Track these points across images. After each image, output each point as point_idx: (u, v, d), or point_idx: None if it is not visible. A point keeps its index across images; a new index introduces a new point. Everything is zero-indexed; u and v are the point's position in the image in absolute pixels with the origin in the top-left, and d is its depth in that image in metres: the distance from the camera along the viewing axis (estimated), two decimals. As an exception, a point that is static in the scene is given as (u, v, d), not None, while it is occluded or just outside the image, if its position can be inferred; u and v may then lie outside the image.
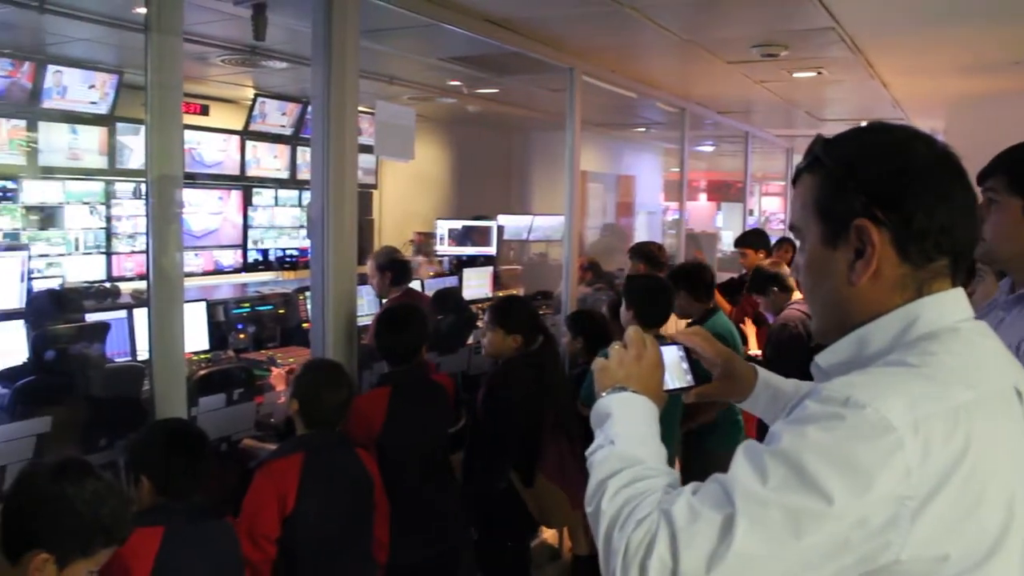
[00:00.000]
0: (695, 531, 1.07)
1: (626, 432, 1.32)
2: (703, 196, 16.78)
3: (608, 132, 10.55)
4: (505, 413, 3.61)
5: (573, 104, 5.34)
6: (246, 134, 7.45)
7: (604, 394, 1.41)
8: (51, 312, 4.01)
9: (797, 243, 1.32)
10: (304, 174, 7.91)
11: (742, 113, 8.86)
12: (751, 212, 12.35)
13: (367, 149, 4.07)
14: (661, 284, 4.15)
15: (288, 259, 7.95)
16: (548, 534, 4.96)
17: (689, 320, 4.43)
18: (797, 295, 4.55)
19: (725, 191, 16.29)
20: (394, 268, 5.00)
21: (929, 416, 1.06)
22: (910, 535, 1.04)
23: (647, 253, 5.51)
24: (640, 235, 11.70)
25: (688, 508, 1.10)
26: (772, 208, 15.92)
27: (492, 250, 8.55)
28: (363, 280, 4.77)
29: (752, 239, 6.56)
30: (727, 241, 14.10)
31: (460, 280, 7.02)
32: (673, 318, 4.29)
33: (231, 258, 7.45)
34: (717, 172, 15.86)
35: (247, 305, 5.63)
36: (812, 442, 1.06)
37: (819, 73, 6.05)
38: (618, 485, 1.22)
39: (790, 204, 1.37)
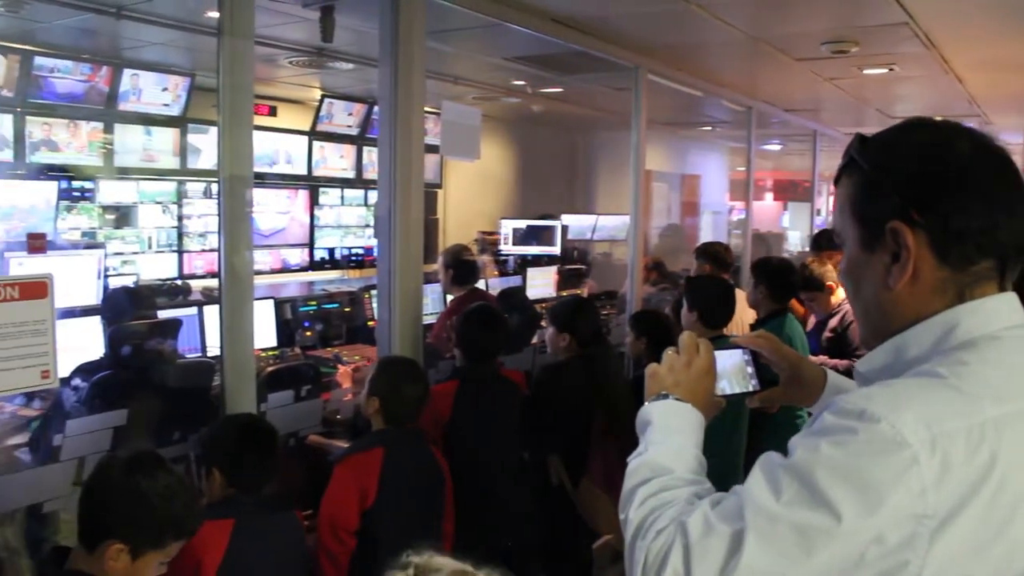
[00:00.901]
0: (707, 545, 1.06)
1: (661, 441, 1.30)
2: (769, 196, 16.54)
3: (673, 131, 10.46)
4: (548, 412, 3.61)
5: (638, 103, 5.31)
6: (313, 134, 7.55)
7: (648, 401, 1.39)
8: (126, 309, 4.11)
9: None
10: (369, 174, 7.99)
11: (810, 111, 8.72)
12: (819, 212, 12.14)
13: (433, 149, 4.10)
14: (724, 285, 4.11)
15: (354, 258, 8.03)
16: (611, 536, 4.93)
17: (757, 317, 4.38)
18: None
19: (792, 190, 16.03)
20: (456, 267, 5.05)
21: (950, 432, 1.01)
22: (930, 555, 0.99)
23: (713, 254, 5.45)
24: (705, 235, 11.58)
25: (703, 521, 1.08)
26: (841, 208, 15.59)
27: (556, 250, 8.53)
28: (428, 279, 4.81)
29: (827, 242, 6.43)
30: (793, 241, 13.89)
31: (524, 280, 7.02)
32: (738, 316, 4.25)
33: (298, 257, 7.55)
34: (784, 171, 15.61)
35: (314, 303, 5.71)
36: (824, 457, 1.03)
37: (891, 69, 5.92)
38: (646, 494, 1.21)
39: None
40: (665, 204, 11.54)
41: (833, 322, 4.69)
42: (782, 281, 4.36)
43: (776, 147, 12.43)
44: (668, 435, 1.31)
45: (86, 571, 1.87)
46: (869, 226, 1.18)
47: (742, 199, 8.58)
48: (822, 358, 4.71)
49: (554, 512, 3.73)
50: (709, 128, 10.70)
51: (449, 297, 5.28)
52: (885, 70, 5.95)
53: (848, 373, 1.66)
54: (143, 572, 1.87)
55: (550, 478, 3.70)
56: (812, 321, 5.10)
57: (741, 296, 4.90)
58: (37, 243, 4.37)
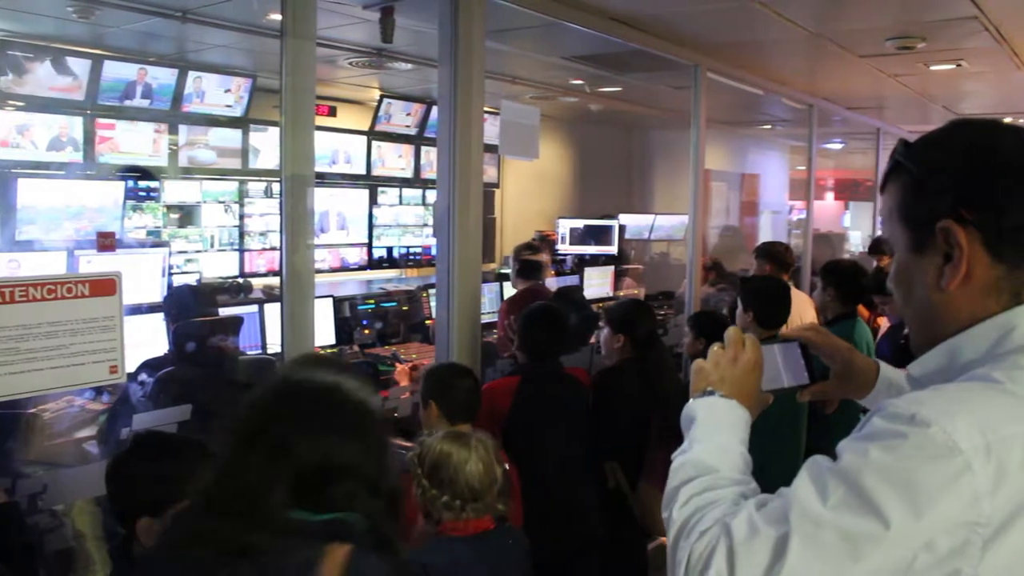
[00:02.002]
0: (751, 547, 1.04)
1: (706, 439, 1.29)
2: (830, 195, 16.28)
3: (732, 130, 10.36)
4: (604, 417, 3.59)
5: (698, 102, 5.27)
6: (372, 134, 7.62)
7: (693, 397, 1.38)
8: (190, 306, 4.18)
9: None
10: (427, 173, 8.04)
11: (873, 109, 8.57)
12: (881, 211, 11.89)
13: (491, 148, 4.11)
14: (780, 285, 4.06)
15: (412, 257, 8.09)
16: (666, 538, 4.89)
17: (823, 320, 4.32)
18: None
19: (853, 190, 15.76)
20: (518, 264, 5.16)
21: (1005, 439, 0.98)
22: (983, 563, 0.97)
23: (773, 254, 5.37)
24: (764, 235, 11.43)
25: (748, 523, 1.07)
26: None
27: (613, 249, 8.50)
28: (485, 278, 4.86)
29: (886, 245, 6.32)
30: (855, 241, 13.65)
31: (581, 279, 7.01)
32: (796, 317, 4.19)
33: (356, 255, 7.63)
34: (845, 170, 15.35)
35: (372, 302, 5.77)
36: (873, 461, 1.01)
37: (959, 65, 5.78)
38: (689, 493, 1.20)
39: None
40: (724, 204, 11.40)
41: (906, 327, 4.60)
42: (852, 284, 4.29)
43: (838, 146, 12.23)
44: (713, 433, 1.30)
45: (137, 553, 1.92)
46: (919, 228, 1.16)
47: (802, 199, 8.46)
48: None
49: (611, 513, 3.71)
50: (769, 127, 10.57)
51: (506, 295, 5.35)
52: (952, 66, 5.81)
53: None
54: None
55: (607, 481, 3.69)
56: (884, 326, 5.02)
57: (800, 297, 4.84)
58: (106, 241, 4.47)
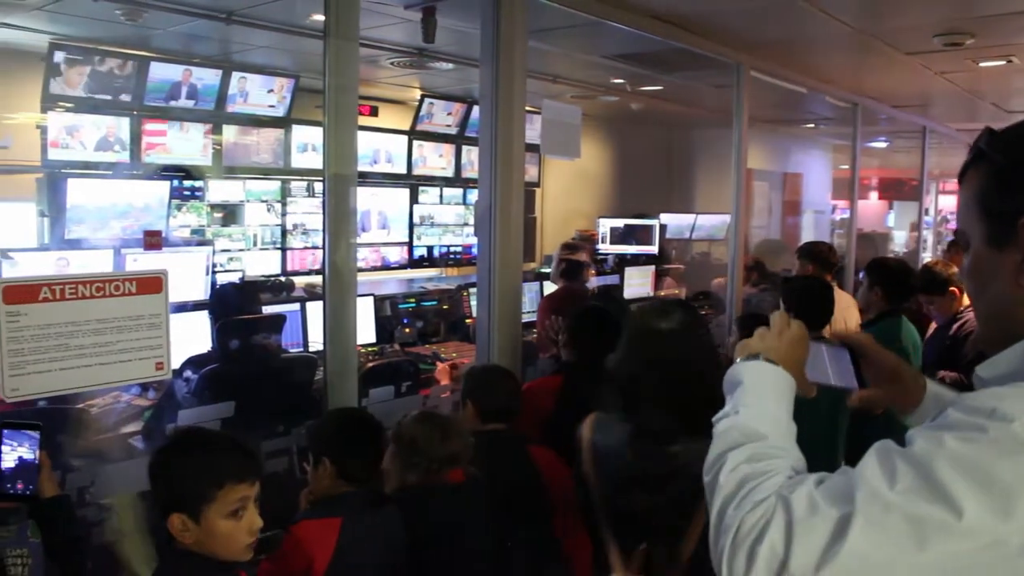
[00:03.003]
0: (812, 525, 1.01)
1: (754, 404, 1.26)
2: (874, 194, 16.07)
3: (774, 128, 10.26)
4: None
5: (740, 100, 5.23)
6: (413, 134, 7.66)
7: (738, 360, 1.35)
8: (233, 304, 4.23)
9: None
10: (468, 172, 8.07)
11: (919, 106, 8.44)
12: (926, 211, 11.73)
13: (532, 147, 4.11)
14: (822, 285, 4.00)
15: (452, 256, 8.12)
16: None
17: (866, 318, 4.26)
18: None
19: (898, 189, 15.54)
20: (561, 260, 5.19)
21: None
22: None
23: (817, 254, 5.30)
24: (806, 235, 11.32)
25: (808, 499, 1.04)
26: (949, 206, 15.05)
27: (654, 249, 8.46)
28: (525, 277, 4.86)
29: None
30: (899, 241, 13.46)
31: (621, 279, 6.99)
32: (840, 318, 4.13)
33: (397, 254, 7.67)
34: (890, 169, 15.14)
35: (412, 300, 5.80)
36: (948, 451, 0.98)
37: (1009, 61, 5.68)
38: (738, 460, 1.16)
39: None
40: (766, 203, 11.31)
41: (952, 329, 4.51)
42: (900, 283, 4.22)
43: (882, 144, 12.07)
44: (760, 398, 1.27)
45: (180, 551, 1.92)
46: (1000, 222, 1.12)
47: (846, 198, 8.36)
48: (943, 374, 4.55)
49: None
50: (812, 125, 10.46)
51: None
52: (1002, 62, 5.71)
53: (956, 385, 1.59)
54: (214, 530, 1.89)
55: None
56: (932, 327, 4.94)
57: (843, 297, 4.77)
58: (153, 240, 4.53)
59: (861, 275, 4.81)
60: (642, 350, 2.13)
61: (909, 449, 1.03)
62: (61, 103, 5.35)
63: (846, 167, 8.64)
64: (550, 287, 5.62)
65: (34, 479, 2.01)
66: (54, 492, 2.04)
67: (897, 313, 4.21)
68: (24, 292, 2.23)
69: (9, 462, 2.01)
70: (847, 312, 4.61)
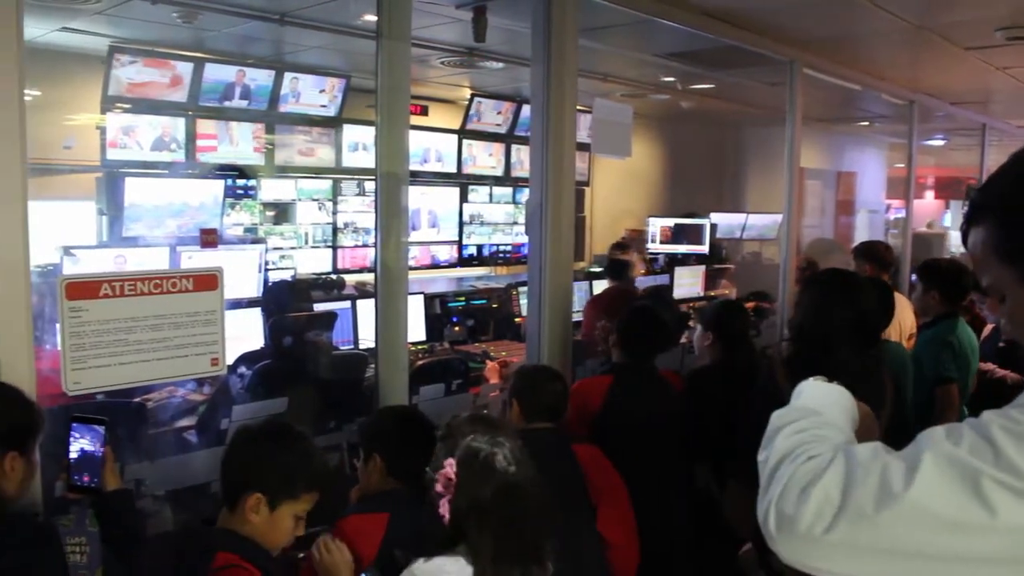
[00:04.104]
0: (872, 469, 1.02)
1: (811, 400, 1.30)
2: (930, 193, 15.76)
3: (828, 127, 10.12)
4: (695, 414, 3.54)
5: (793, 98, 5.17)
6: (463, 133, 7.69)
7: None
8: (286, 301, 4.29)
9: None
10: (518, 171, 8.07)
11: (979, 103, 8.27)
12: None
13: (581, 146, 4.10)
14: (880, 286, 3.94)
15: (501, 254, 8.13)
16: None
17: (926, 320, 4.18)
18: None
19: (955, 188, 15.23)
20: (608, 261, 5.19)
21: None
22: None
23: (874, 253, 5.18)
24: (860, 235, 11.14)
25: (872, 449, 1.06)
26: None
27: (705, 248, 8.39)
28: (576, 276, 4.86)
29: None
30: (956, 241, 13.18)
31: (671, 278, 6.95)
32: (897, 321, 4.07)
33: (447, 253, 7.70)
34: (947, 168, 14.84)
35: (462, 299, 5.82)
36: (1012, 418, 1.00)
37: (1074, 56, 5.53)
38: (794, 429, 1.19)
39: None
40: (819, 202, 11.14)
41: None
42: (954, 283, 4.14)
43: (939, 142, 11.84)
44: (818, 400, 1.30)
45: (228, 527, 2.00)
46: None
47: (901, 197, 8.22)
48: (990, 366, 4.46)
49: (700, 515, 3.66)
50: (866, 123, 10.29)
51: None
52: (1067, 56, 5.57)
53: (1018, 387, 1.56)
54: (279, 523, 2.00)
55: (696, 482, 3.64)
56: (988, 328, 4.84)
57: (899, 300, 4.68)
58: (209, 238, 4.61)
59: (914, 277, 4.71)
60: None
61: (975, 419, 1.05)
62: (119, 104, 5.46)
63: (901, 165, 8.48)
64: (599, 286, 5.62)
65: (99, 472, 2.06)
66: (117, 485, 2.09)
67: (954, 315, 4.12)
68: (86, 288, 2.28)
69: (76, 454, 2.07)
70: (902, 315, 4.52)
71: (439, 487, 2.08)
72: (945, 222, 15.37)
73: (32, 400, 1.98)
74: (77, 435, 2.08)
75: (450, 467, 2.04)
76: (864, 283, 3.04)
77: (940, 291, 4.10)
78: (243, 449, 2.08)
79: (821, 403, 1.29)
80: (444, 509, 2.06)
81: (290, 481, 2.00)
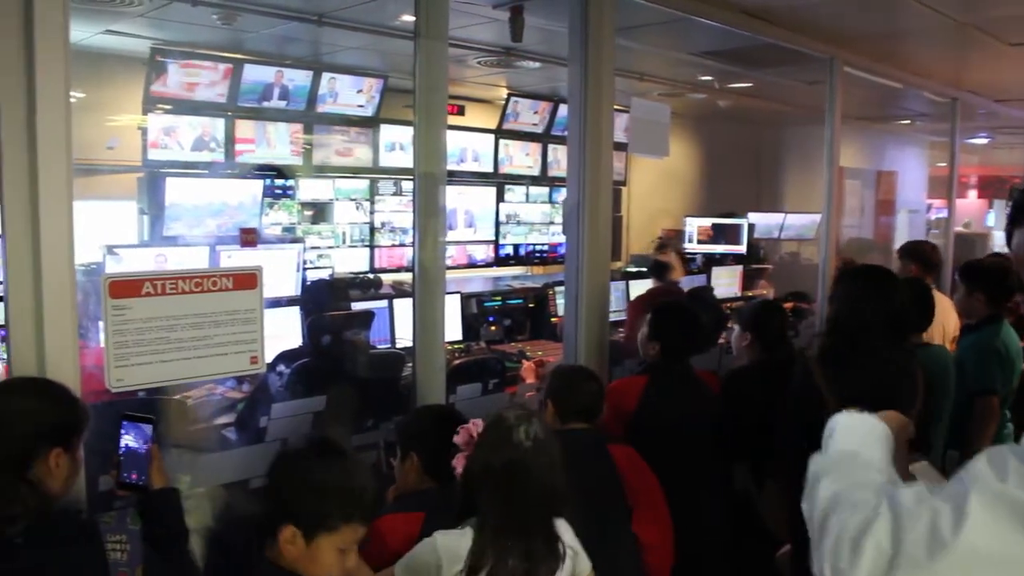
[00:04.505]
0: (920, 515, 1.00)
1: (845, 440, 1.28)
2: (972, 193, 15.51)
3: (867, 125, 10.00)
4: (733, 414, 3.51)
5: (833, 97, 5.12)
6: (499, 132, 7.70)
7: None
8: (324, 300, 4.32)
9: None
10: (554, 171, 8.07)
11: (1024, 100, 8.13)
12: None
13: (618, 146, 4.09)
14: (921, 287, 3.89)
15: (537, 254, 8.12)
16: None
17: (969, 322, 4.11)
18: None
19: (999, 187, 14.98)
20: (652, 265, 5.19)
21: None
22: None
23: (920, 253, 5.07)
24: (901, 235, 10.99)
25: (915, 494, 1.04)
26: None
27: (742, 248, 8.32)
28: (612, 276, 4.84)
29: None
30: (1000, 241, 12.96)
31: (708, 278, 6.91)
32: (939, 322, 4.01)
33: (483, 252, 7.71)
34: (991, 166, 14.59)
35: (498, 298, 5.83)
36: None
37: (1123, 51, 5.42)
38: (835, 478, 1.17)
39: None
40: (858, 202, 11.01)
41: None
42: (999, 284, 4.06)
43: (982, 140, 11.67)
44: (853, 436, 1.29)
45: (268, 557, 1.91)
46: None
47: (942, 197, 8.10)
48: None
49: (737, 517, 3.63)
50: (907, 121, 10.16)
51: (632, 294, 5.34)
52: (1116, 52, 5.45)
53: None
54: (319, 557, 1.88)
55: (734, 483, 3.61)
56: None
57: (942, 301, 4.61)
58: (249, 237, 4.65)
59: (957, 278, 4.63)
60: None
61: (1019, 448, 1.02)
62: (160, 105, 5.53)
63: (943, 164, 8.36)
64: (635, 286, 5.60)
65: (146, 470, 2.09)
66: (163, 484, 2.11)
67: (999, 317, 4.05)
68: (128, 287, 2.31)
69: (125, 452, 2.10)
70: (946, 317, 4.45)
71: (461, 441, 2.15)
72: (988, 222, 15.12)
73: (77, 397, 2.00)
74: (126, 433, 2.11)
75: (475, 426, 2.11)
76: (899, 279, 3.03)
77: (985, 293, 4.02)
78: (277, 474, 1.97)
79: (855, 441, 1.27)
80: (459, 464, 2.15)
81: (324, 512, 1.88)
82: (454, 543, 2.03)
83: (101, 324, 2.31)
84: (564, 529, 2.18)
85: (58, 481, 1.88)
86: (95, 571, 1.80)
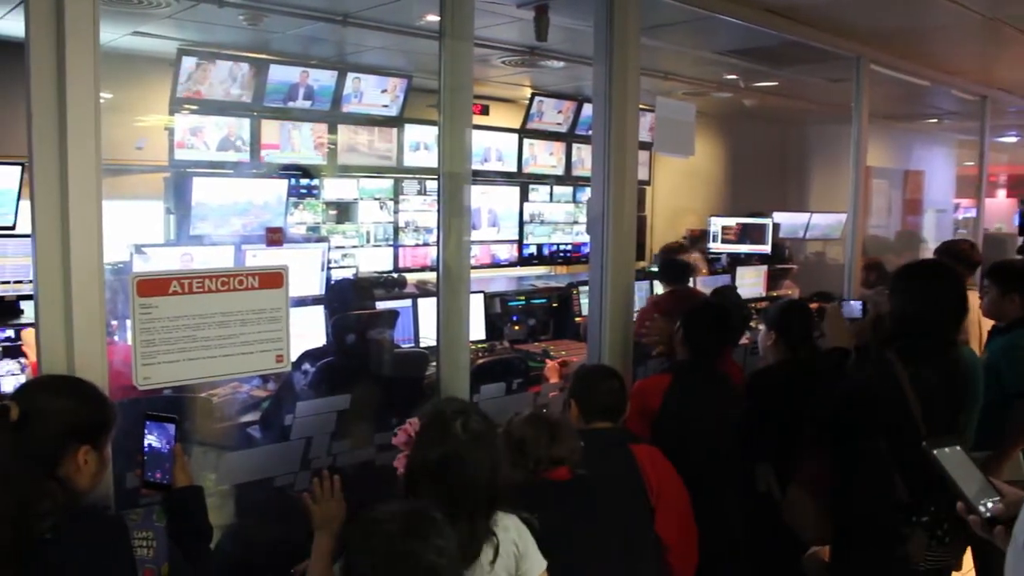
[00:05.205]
0: None
1: None
2: (1002, 192, 15.32)
3: (894, 124, 9.91)
4: (757, 414, 3.49)
5: (860, 95, 5.08)
6: (523, 132, 7.69)
7: None
8: (349, 299, 4.32)
9: None
10: (579, 170, 8.05)
11: (1057, 97, 8.02)
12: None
13: (642, 145, 4.08)
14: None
15: (561, 254, 8.11)
16: (819, 548, 4.71)
17: (999, 324, 4.06)
18: None
19: (1029, 186, 14.79)
20: (663, 265, 5.12)
21: None
22: None
23: (957, 252, 4.98)
24: (928, 235, 10.90)
25: None
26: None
27: (767, 248, 8.26)
28: (636, 276, 4.82)
29: None
30: (1030, 241, 12.79)
31: (733, 278, 6.87)
32: (980, 321, 3.96)
33: (507, 252, 7.71)
34: (1020, 165, 14.41)
35: (522, 298, 5.83)
36: None
37: None
38: None
39: None
40: (885, 202, 10.93)
41: None
42: None
43: (1012, 139, 11.54)
44: None
45: None
46: None
47: (971, 196, 8.01)
48: None
49: (761, 517, 3.61)
50: (935, 120, 10.06)
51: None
52: None
53: None
54: None
55: (757, 483, 3.59)
56: None
57: (975, 300, 4.55)
58: (275, 237, 4.68)
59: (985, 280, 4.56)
60: None
61: None
62: (187, 106, 5.58)
63: (972, 163, 8.27)
64: (660, 287, 5.57)
65: (169, 469, 2.10)
66: (187, 482, 2.13)
67: None
68: (156, 285, 2.33)
69: (149, 451, 2.11)
70: (979, 317, 4.39)
71: (400, 442, 2.17)
72: (1016, 221, 14.94)
73: (106, 396, 2.02)
74: (150, 433, 2.12)
75: (412, 426, 2.14)
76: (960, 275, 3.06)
77: (1020, 294, 3.95)
78: (375, 552, 1.74)
79: None
80: (400, 464, 2.23)
81: None
82: None
83: (128, 322, 2.33)
84: (511, 526, 2.20)
85: (86, 478, 1.90)
86: (123, 567, 1.81)
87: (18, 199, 4.40)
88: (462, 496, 2.06)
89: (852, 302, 4.24)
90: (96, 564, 1.77)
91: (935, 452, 1.48)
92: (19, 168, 4.36)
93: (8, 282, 4.26)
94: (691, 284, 5.70)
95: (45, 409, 1.86)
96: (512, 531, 2.19)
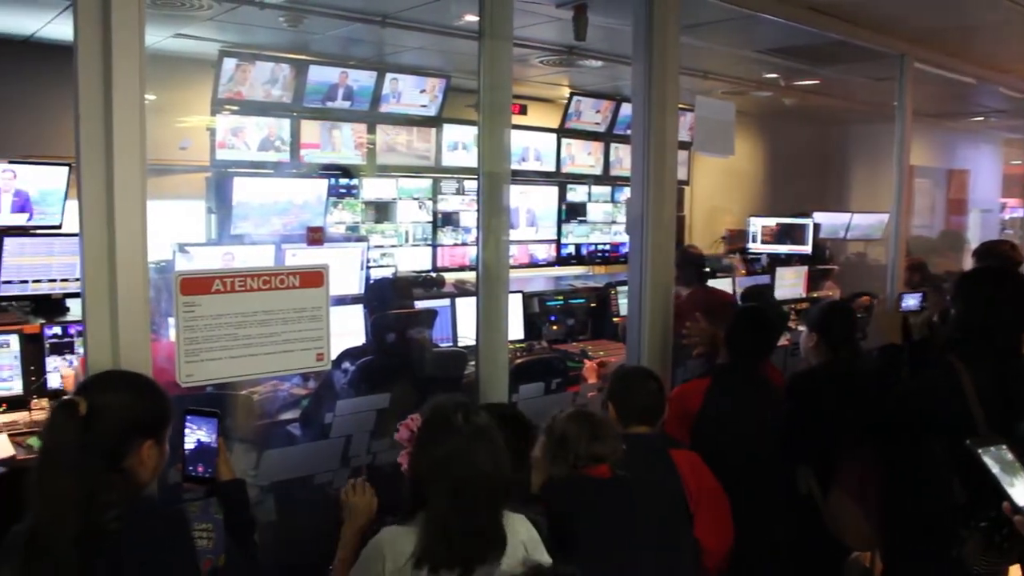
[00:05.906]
0: None
1: None
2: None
3: (938, 123, 9.76)
4: (798, 416, 3.45)
5: (903, 93, 5.01)
6: (562, 132, 7.68)
7: None
8: (388, 298, 4.34)
9: None
10: (617, 170, 8.02)
11: (1113, 93, 7.84)
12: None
13: (681, 145, 4.06)
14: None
15: (600, 254, 8.08)
16: (861, 553, 4.66)
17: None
18: None
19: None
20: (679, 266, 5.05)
21: None
22: None
23: (998, 254, 4.89)
24: (973, 234, 10.72)
25: None
26: None
27: (807, 248, 8.17)
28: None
29: None
30: (1078, 242, 12.54)
31: (773, 279, 6.81)
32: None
33: (545, 252, 7.70)
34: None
35: (560, 298, 5.82)
36: None
37: None
38: None
39: None
40: (928, 201, 10.77)
41: None
42: None
43: (1061, 138, 11.31)
44: None
45: None
46: None
47: (1018, 196, 7.87)
48: None
49: (803, 520, 3.57)
50: (981, 118, 9.89)
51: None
52: None
53: None
54: None
55: (799, 485, 3.55)
56: None
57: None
58: (315, 236, 4.71)
59: None
60: None
61: None
62: (228, 106, 5.64)
63: (1019, 162, 8.12)
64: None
65: (212, 463, 2.13)
66: (230, 476, 2.15)
67: None
68: (199, 284, 2.35)
69: (190, 445, 2.14)
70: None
71: (403, 438, 2.18)
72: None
73: (164, 391, 2.05)
74: (192, 427, 2.15)
75: (414, 422, 2.25)
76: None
77: None
78: None
79: None
80: (403, 460, 2.25)
81: None
82: (397, 539, 2.07)
83: (171, 320, 2.36)
84: (521, 528, 2.19)
85: (148, 471, 1.94)
86: (184, 558, 1.84)
87: (65, 199, 4.48)
88: (468, 489, 2.07)
89: (910, 295, 4.20)
90: (161, 555, 1.81)
91: (980, 451, 1.47)
92: (66, 168, 4.44)
93: (55, 280, 4.34)
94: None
95: (110, 404, 1.90)
96: (522, 532, 2.19)
